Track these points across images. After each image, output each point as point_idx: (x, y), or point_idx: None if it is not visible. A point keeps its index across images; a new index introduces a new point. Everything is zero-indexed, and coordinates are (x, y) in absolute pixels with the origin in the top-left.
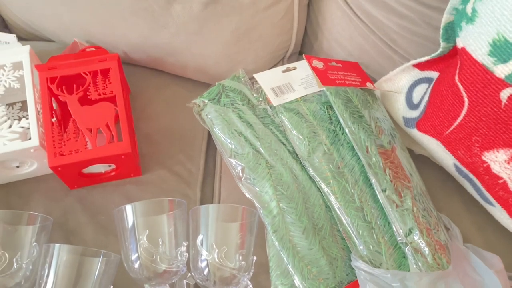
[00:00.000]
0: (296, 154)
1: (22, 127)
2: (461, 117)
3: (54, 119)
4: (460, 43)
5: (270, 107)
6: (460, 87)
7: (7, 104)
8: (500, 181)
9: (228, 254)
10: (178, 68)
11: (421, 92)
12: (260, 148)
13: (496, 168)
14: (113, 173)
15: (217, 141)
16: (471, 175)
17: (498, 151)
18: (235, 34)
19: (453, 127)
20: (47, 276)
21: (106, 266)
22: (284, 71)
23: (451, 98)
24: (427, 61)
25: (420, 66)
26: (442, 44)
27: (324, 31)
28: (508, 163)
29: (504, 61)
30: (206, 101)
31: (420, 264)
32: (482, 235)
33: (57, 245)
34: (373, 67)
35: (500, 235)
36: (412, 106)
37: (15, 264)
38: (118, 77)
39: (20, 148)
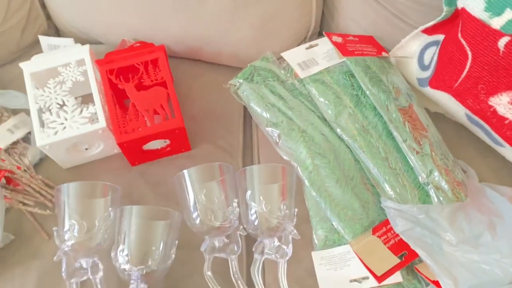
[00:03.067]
0: (325, 119)
1: (90, 113)
2: (466, 69)
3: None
4: (460, 4)
5: (298, 81)
6: (463, 42)
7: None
8: (507, 122)
9: (273, 205)
10: (214, 55)
11: (431, 54)
12: (292, 116)
13: (501, 110)
14: (168, 149)
15: (254, 114)
16: (481, 121)
17: (501, 95)
18: (262, 20)
19: (460, 79)
20: (123, 235)
21: (172, 222)
22: (307, 48)
23: (456, 53)
24: (434, 26)
25: (428, 31)
26: (445, 9)
27: (339, 11)
28: (511, 104)
29: (498, 14)
30: (241, 80)
31: (441, 198)
32: (497, 176)
33: (128, 206)
34: (387, 39)
35: None
36: (423, 67)
37: (94, 229)
38: (166, 64)
39: (90, 130)
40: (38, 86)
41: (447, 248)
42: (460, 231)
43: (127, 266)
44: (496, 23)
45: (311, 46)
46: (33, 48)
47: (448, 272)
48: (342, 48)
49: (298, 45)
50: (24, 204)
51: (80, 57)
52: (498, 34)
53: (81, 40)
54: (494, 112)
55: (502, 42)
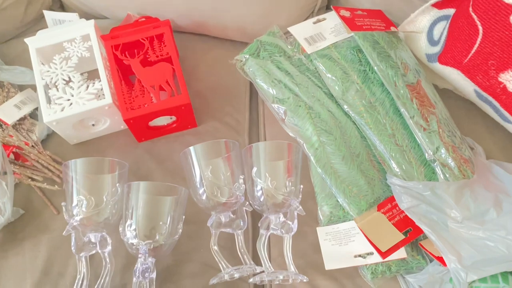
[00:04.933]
0: (331, 95)
1: (96, 89)
2: (477, 45)
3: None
4: None
5: (304, 56)
6: (474, 16)
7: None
8: None
9: (279, 181)
10: (219, 30)
11: (441, 29)
12: (299, 93)
13: (511, 87)
14: (174, 125)
15: (260, 90)
16: (490, 98)
17: None
18: None
19: (470, 54)
20: (131, 210)
21: (179, 197)
22: (315, 23)
23: (467, 28)
24: (444, 0)
25: (438, 5)
26: None
27: None
28: None
29: None
30: (247, 56)
31: (447, 175)
32: (505, 153)
33: (135, 182)
34: (396, 13)
35: None
36: (433, 42)
37: (102, 204)
38: (172, 39)
39: (97, 106)
40: (44, 61)
41: (452, 225)
42: (466, 208)
43: (135, 241)
44: None
45: (318, 21)
46: (38, 23)
47: (452, 248)
48: (350, 23)
49: (306, 19)
50: (33, 179)
51: (85, 32)
52: (510, 8)
53: (85, 15)
54: (504, 88)
55: None
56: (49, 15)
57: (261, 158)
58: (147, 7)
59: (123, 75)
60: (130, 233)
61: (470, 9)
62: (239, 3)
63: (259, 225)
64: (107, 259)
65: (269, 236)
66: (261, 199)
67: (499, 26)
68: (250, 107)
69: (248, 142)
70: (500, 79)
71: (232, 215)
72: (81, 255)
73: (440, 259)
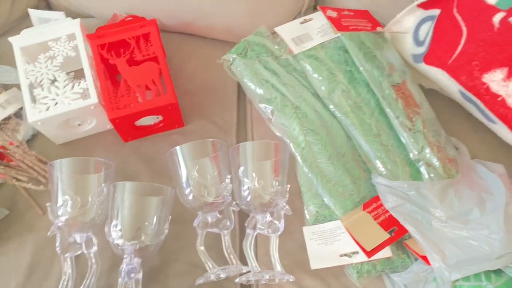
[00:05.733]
0: (318, 95)
1: (82, 88)
2: (461, 45)
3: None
4: None
5: (292, 56)
6: (459, 18)
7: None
8: (499, 99)
9: (266, 181)
10: (206, 30)
11: (426, 30)
12: (286, 92)
13: (495, 87)
14: (160, 125)
15: (247, 90)
16: (474, 98)
17: (495, 71)
18: None
19: (455, 55)
20: (116, 210)
21: (165, 198)
22: (302, 23)
23: (451, 29)
24: (429, 0)
25: (424, 6)
26: None
27: None
28: (504, 81)
29: None
30: (235, 56)
31: (432, 175)
32: (490, 153)
33: (121, 182)
34: (382, 13)
35: (506, 151)
36: (419, 43)
37: (88, 204)
38: (158, 39)
39: (82, 106)
40: (29, 60)
41: (437, 224)
42: (450, 208)
43: (120, 241)
44: None
45: (305, 21)
46: (23, 21)
47: (437, 248)
48: (337, 23)
49: (293, 19)
50: (17, 179)
51: (70, 31)
52: (493, 9)
53: (72, 13)
54: (488, 89)
55: (497, 18)
56: (34, 13)
57: (248, 158)
58: (133, 7)
59: (109, 75)
60: (115, 234)
61: (455, 10)
62: (226, 3)
63: (245, 225)
64: (93, 260)
65: (256, 236)
66: (248, 199)
67: (483, 27)
68: (238, 107)
69: (236, 141)
70: (483, 80)
71: (218, 215)
72: (66, 255)
73: (425, 258)
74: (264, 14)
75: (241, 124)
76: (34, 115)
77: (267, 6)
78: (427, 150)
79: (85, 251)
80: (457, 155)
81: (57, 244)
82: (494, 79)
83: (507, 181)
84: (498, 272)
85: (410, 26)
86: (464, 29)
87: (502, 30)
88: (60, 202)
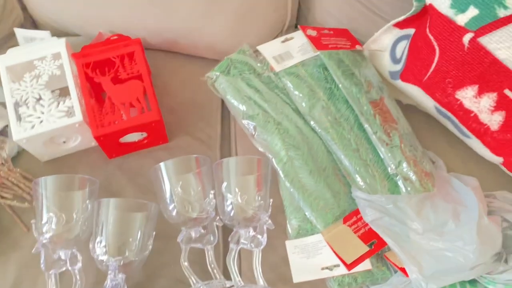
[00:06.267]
0: (299, 111)
1: (67, 106)
2: (434, 64)
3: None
4: (428, 1)
5: (274, 74)
6: (431, 37)
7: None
8: (472, 115)
9: (249, 196)
10: (190, 48)
11: (402, 48)
12: (268, 109)
13: (467, 103)
14: (145, 141)
15: (230, 106)
16: (449, 114)
17: (467, 89)
18: (238, 13)
19: (429, 73)
20: (100, 226)
21: (149, 214)
22: (283, 41)
23: (425, 48)
24: (405, 20)
25: (400, 25)
26: (415, 4)
27: (315, 3)
28: (476, 97)
29: (463, 11)
30: (218, 73)
31: (409, 189)
32: (465, 166)
33: (105, 199)
34: (361, 31)
35: (480, 165)
36: (395, 60)
37: (72, 221)
38: (142, 57)
39: (67, 124)
40: (14, 79)
41: (414, 236)
42: (426, 220)
43: (104, 257)
44: (461, 19)
45: (286, 40)
46: (9, 40)
47: (414, 259)
48: (316, 42)
49: (275, 37)
50: (2, 197)
51: (56, 50)
52: (462, 30)
53: (58, 32)
54: (461, 105)
55: (466, 38)
56: (20, 32)
57: (231, 173)
58: (119, 26)
59: (95, 93)
60: (100, 250)
61: (427, 30)
62: (209, 22)
63: (229, 239)
64: (77, 276)
65: (239, 251)
66: (231, 214)
67: (453, 46)
68: (222, 123)
69: (220, 157)
70: (457, 96)
71: (202, 230)
72: (50, 272)
73: (403, 270)
74: (247, 33)
75: (225, 140)
76: (19, 133)
77: (249, 25)
78: (404, 165)
79: (69, 268)
80: (433, 169)
81: (42, 261)
82: (466, 96)
83: (480, 194)
84: (472, 282)
85: (387, 44)
86: (436, 48)
87: (472, 50)
88: (44, 219)
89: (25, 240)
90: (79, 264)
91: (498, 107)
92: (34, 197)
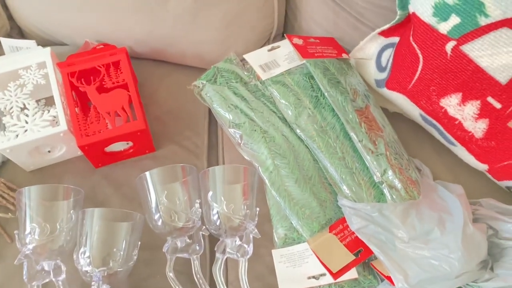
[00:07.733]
0: (285, 120)
1: (51, 116)
2: (418, 72)
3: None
4: (411, 9)
5: (260, 82)
6: (415, 46)
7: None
8: (456, 122)
9: (235, 205)
10: (177, 56)
11: (387, 56)
12: (254, 117)
13: (451, 111)
14: (131, 150)
15: (217, 115)
16: (434, 121)
17: (451, 96)
18: (225, 21)
19: (413, 81)
20: (85, 237)
21: (134, 224)
22: (269, 50)
23: (409, 56)
24: (389, 28)
25: (384, 34)
26: (399, 12)
27: (302, 12)
28: (459, 105)
29: (445, 19)
30: (204, 82)
31: (394, 197)
32: (451, 173)
33: (90, 209)
34: (347, 40)
35: (466, 172)
36: (381, 69)
37: (56, 231)
38: (128, 66)
39: (52, 133)
40: None
41: (399, 244)
42: (412, 228)
43: (88, 268)
44: (443, 28)
45: (273, 48)
46: None
47: (400, 268)
48: (303, 50)
49: (262, 46)
50: None
51: (41, 59)
52: (445, 38)
53: (45, 41)
54: (445, 113)
55: (449, 46)
56: (6, 42)
57: (218, 182)
58: (106, 35)
59: (80, 102)
60: (83, 261)
61: (411, 38)
62: (195, 31)
63: (215, 249)
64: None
65: (226, 260)
66: (217, 223)
67: (437, 54)
68: (209, 131)
69: (207, 166)
70: (441, 104)
71: (188, 240)
72: (33, 284)
73: (389, 279)
74: (233, 42)
75: (212, 149)
76: (2, 143)
77: (236, 34)
78: (390, 173)
79: (53, 279)
80: (419, 176)
81: (24, 272)
82: (451, 104)
83: (465, 201)
84: None
85: (373, 53)
86: (420, 56)
87: (454, 58)
88: (28, 230)
89: (9, 251)
90: (63, 275)
91: (481, 114)
92: (18, 207)
